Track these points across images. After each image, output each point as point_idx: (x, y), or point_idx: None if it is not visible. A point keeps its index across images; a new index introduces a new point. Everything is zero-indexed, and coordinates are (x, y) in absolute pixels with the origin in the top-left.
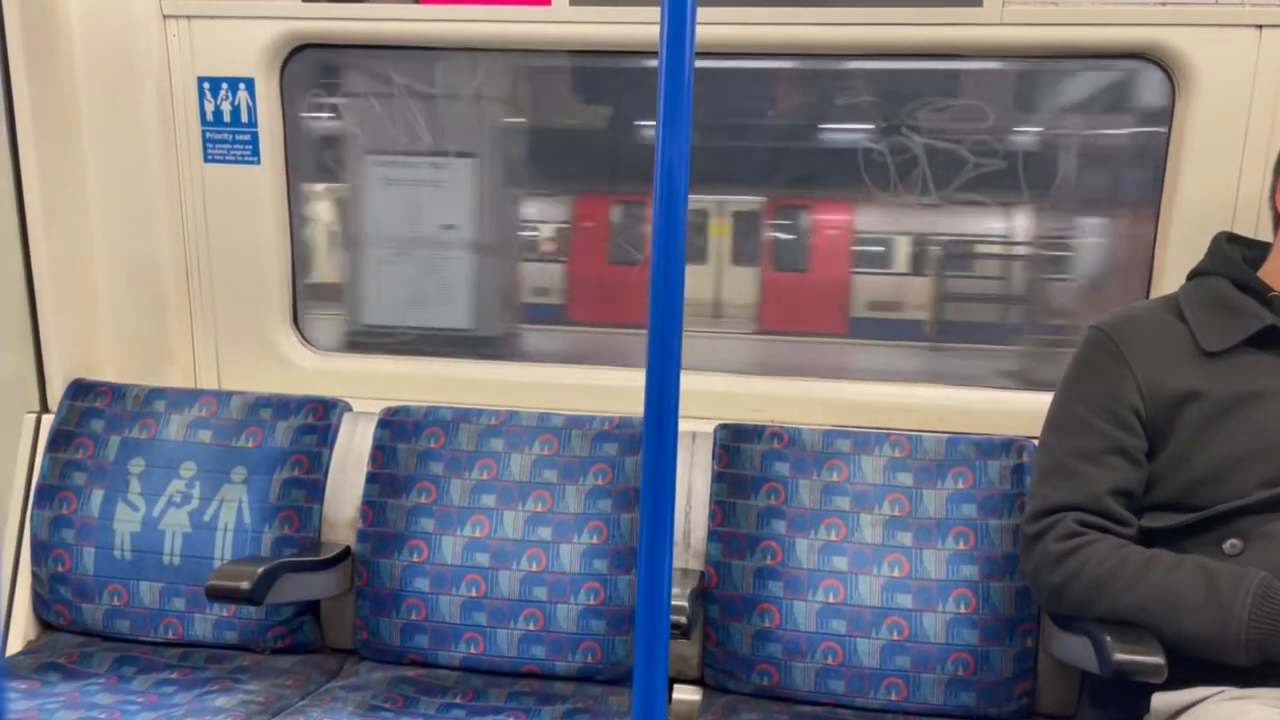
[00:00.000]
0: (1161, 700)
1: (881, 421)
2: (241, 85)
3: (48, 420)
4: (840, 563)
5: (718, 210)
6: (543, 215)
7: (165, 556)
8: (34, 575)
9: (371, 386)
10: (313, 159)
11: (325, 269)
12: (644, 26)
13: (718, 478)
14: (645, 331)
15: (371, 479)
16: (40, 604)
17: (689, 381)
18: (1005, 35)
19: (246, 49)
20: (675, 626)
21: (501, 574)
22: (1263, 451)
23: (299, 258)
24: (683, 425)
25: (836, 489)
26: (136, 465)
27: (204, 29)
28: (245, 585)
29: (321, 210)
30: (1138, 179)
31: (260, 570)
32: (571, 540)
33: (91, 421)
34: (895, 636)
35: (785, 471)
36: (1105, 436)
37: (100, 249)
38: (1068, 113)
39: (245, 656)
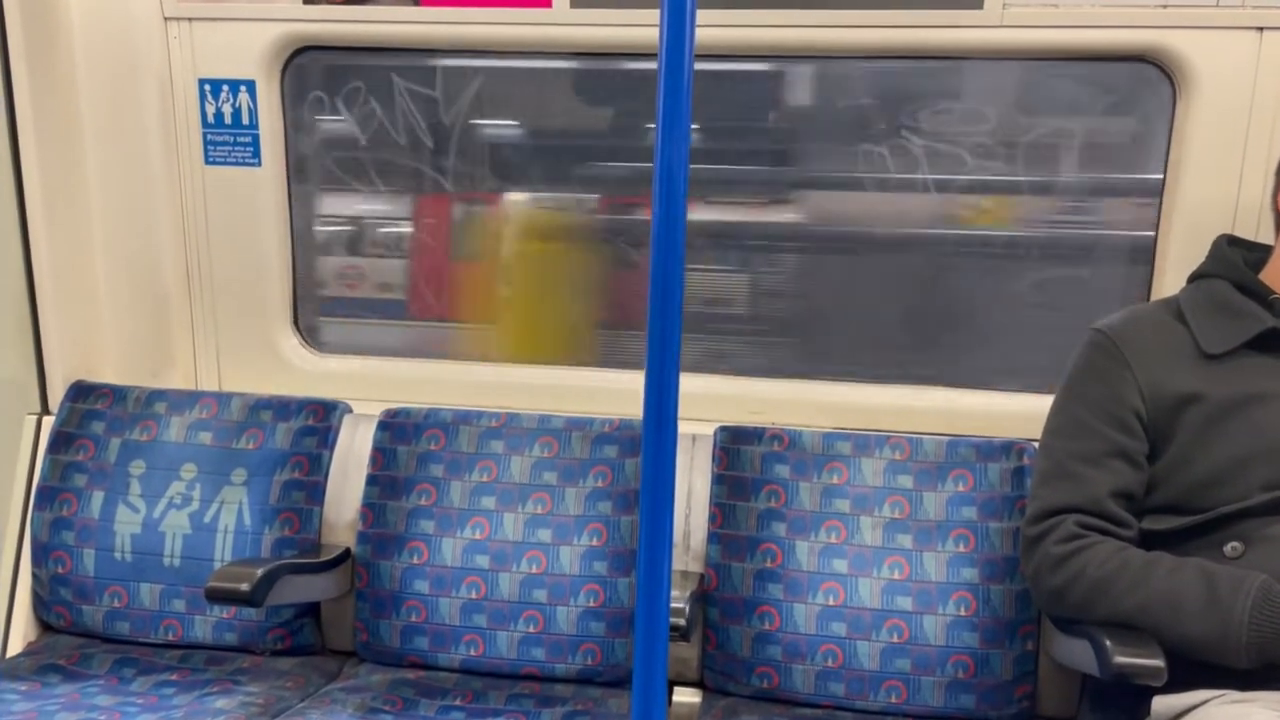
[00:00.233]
0: (1162, 703)
1: (882, 424)
2: (242, 87)
3: (48, 422)
4: (840, 565)
5: None
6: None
7: (165, 558)
8: (34, 577)
9: (372, 388)
10: None
11: None
12: (644, 29)
13: (717, 480)
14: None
15: (372, 481)
16: (40, 605)
17: (688, 384)
18: (1005, 37)
19: (247, 51)
20: (675, 629)
21: (501, 576)
22: (1264, 454)
23: (300, 260)
24: (682, 427)
25: (837, 491)
26: (137, 467)
27: (205, 31)
28: (245, 587)
29: None
30: None
31: (260, 572)
32: (571, 542)
33: (92, 423)
34: (895, 639)
35: (785, 474)
36: (1106, 439)
37: (101, 251)
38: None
39: (245, 658)
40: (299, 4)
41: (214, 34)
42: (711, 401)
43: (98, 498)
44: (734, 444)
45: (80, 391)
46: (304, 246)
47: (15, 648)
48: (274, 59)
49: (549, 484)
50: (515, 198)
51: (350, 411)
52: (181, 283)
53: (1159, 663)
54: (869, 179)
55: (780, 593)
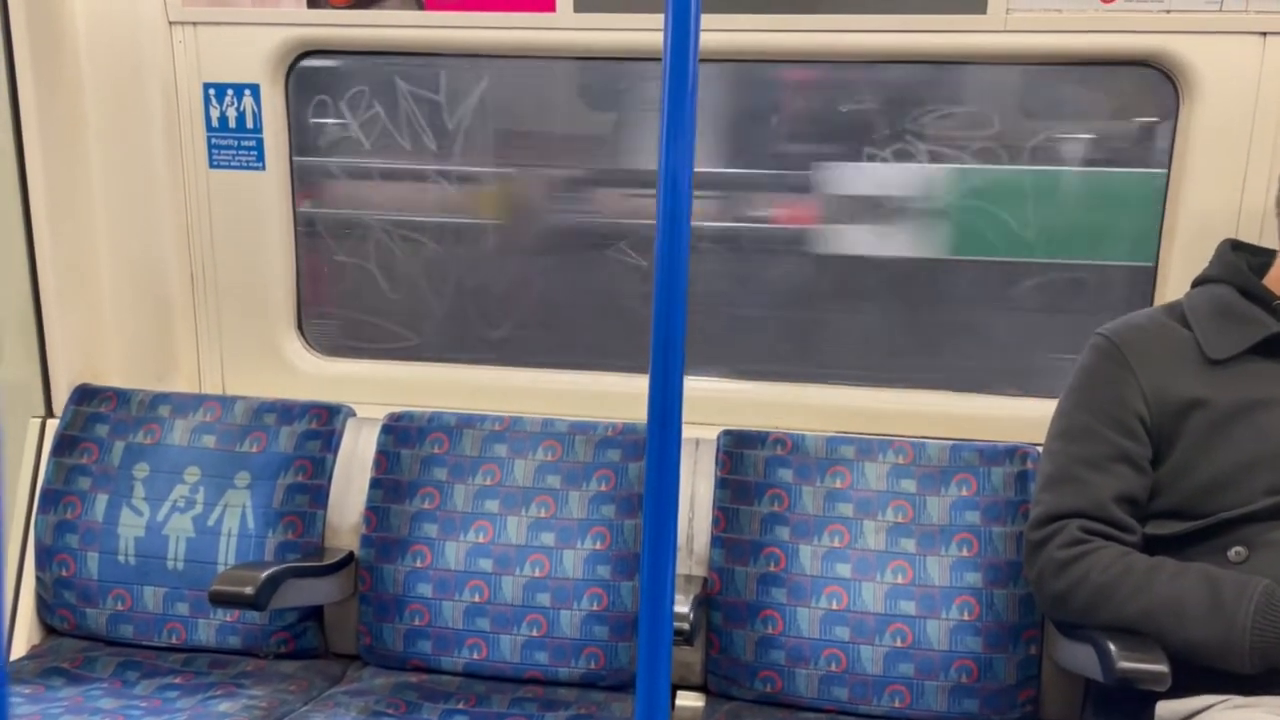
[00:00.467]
0: (1166, 708)
1: (885, 428)
2: (247, 91)
3: (52, 425)
4: (843, 569)
5: None
6: None
7: (169, 561)
8: (38, 580)
9: (376, 392)
10: None
11: None
12: (648, 33)
13: (721, 484)
14: None
15: (375, 484)
16: (44, 608)
17: (692, 387)
18: (1009, 42)
19: (252, 55)
20: (678, 633)
21: (504, 580)
22: (1268, 459)
23: (303, 263)
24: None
25: (840, 495)
26: (141, 470)
27: (210, 35)
28: (249, 590)
29: None
30: None
31: (264, 575)
32: (575, 546)
33: (96, 426)
34: (899, 643)
35: (789, 478)
36: (1110, 444)
37: (105, 254)
38: None
39: (248, 661)
40: (303, 9)
41: (218, 38)
42: (714, 405)
43: (101, 501)
44: (737, 448)
45: (84, 395)
46: None
47: (19, 651)
48: (278, 63)
49: (552, 488)
50: None
51: (354, 415)
52: (185, 286)
53: (1163, 668)
54: None
55: (783, 597)
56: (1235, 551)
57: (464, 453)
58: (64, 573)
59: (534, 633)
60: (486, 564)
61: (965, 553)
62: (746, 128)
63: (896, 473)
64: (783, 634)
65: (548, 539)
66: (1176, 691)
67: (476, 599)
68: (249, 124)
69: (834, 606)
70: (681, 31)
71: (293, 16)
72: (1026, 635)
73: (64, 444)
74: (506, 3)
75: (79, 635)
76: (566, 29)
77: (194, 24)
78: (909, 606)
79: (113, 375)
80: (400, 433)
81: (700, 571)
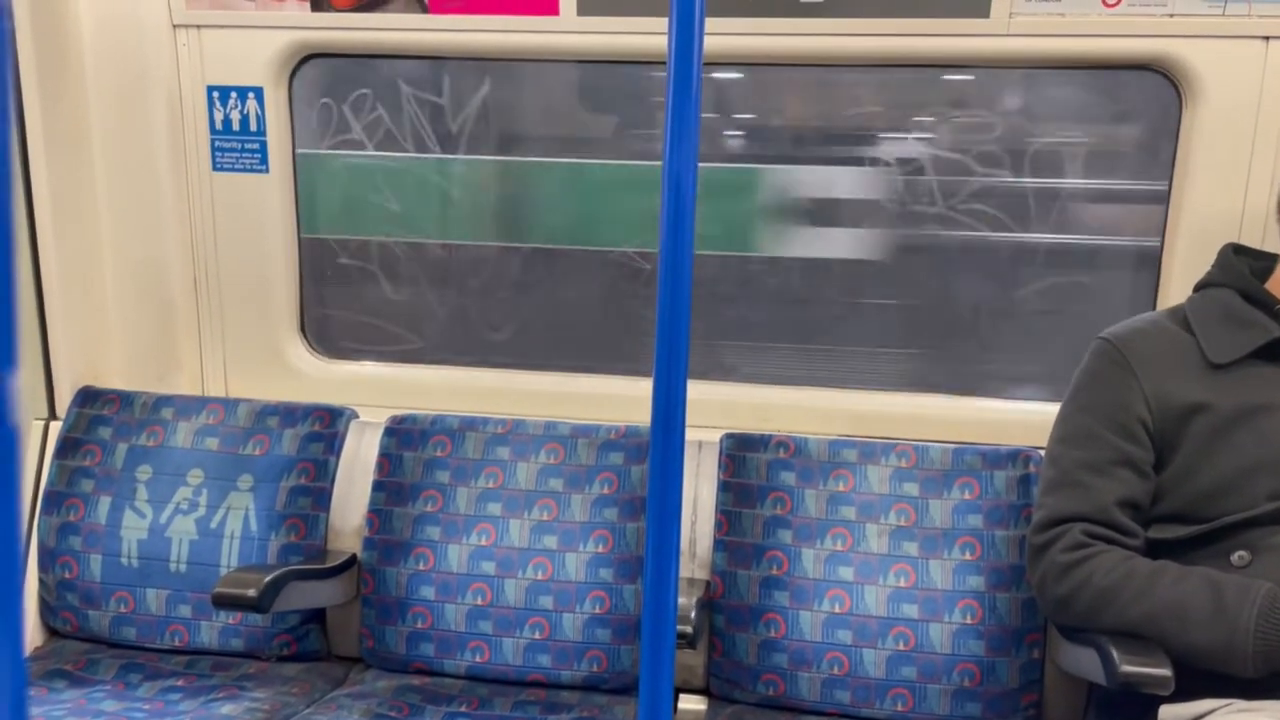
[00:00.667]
0: (1168, 712)
1: (887, 431)
2: (250, 94)
3: (55, 427)
4: (846, 573)
5: None
6: None
7: (172, 564)
8: (41, 582)
9: (378, 394)
10: None
11: None
12: (652, 37)
13: (723, 487)
14: None
15: (378, 487)
16: (47, 611)
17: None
18: (1012, 46)
19: (255, 58)
20: (681, 636)
21: (507, 582)
22: (1270, 463)
23: (306, 266)
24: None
25: (842, 499)
26: (144, 472)
27: (214, 38)
28: (252, 593)
29: None
30: None
31: (267, 578)
32: (577, 549)
33: (99, 428)
34: (901, 647)
35: (791, 481)
36: (1112, 448)
37: (109, 256)
38: None
39: (251, 664)
40: (307, 12)
41: (222, 41)
42: (717, 408)
43: (104, 503)
44: (740, 451)
45: (87, 397)
46: None
47: None
48: (282, 66)
49: (555, 490)
50: None
51: (357, 417)
52: (189, 288)
53: (1165, 672)
54: None
55: (786, 600)
56: (1238, 556)
57: (467, 455)
58: (67, 575)
59: (536, 635)
60: (489, 567)
61: (968, 556)
62: None
63: (899, 476)
64: (785, 637)
65: (550, 542)
66: (1179, 695)
67: (479, 602)
68: (252, 127)
69: (836, 610)
70: (685, 35)
71: (296, 19)
72: (1029, 639)
73: (67, 446)
74: (510, 6)
75: (81, 637)
76: (570, 32)
77: (198, 27)
78: (911, 610)
79: (116, 377)
80: (403, 435)
81: (703, 574)
